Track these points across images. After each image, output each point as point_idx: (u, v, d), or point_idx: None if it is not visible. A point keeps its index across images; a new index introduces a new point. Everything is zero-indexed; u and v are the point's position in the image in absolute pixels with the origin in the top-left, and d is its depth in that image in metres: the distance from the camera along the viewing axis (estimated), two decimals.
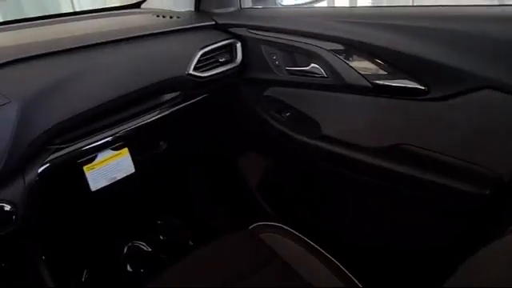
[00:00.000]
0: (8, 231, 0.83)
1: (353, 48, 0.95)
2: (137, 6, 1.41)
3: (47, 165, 0.89)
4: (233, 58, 1.18)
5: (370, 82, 0.93)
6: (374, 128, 0.98)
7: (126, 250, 1.54)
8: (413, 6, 1.08)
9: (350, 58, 0.97)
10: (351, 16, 0.97)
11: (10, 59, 0.86)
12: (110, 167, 1.04)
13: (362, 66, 0.95)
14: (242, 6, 1.24)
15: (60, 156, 0.92)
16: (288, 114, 1.16)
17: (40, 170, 0.88)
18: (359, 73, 0.95)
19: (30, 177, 0.86)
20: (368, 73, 0.94)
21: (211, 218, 1.58)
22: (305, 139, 1.11)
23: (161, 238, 1.63)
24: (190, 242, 1.61)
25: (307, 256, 0.91)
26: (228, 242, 0.99)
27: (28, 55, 0.89)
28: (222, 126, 1.38)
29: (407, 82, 0.89)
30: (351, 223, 1.16)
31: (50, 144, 0.91)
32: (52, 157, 0.90)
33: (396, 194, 0.99)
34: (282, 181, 1.38)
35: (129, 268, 1.52)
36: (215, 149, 1.46)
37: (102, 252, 1.45)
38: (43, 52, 0.92)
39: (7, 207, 0.82)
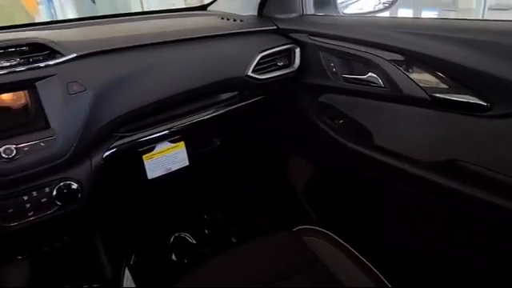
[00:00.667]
0: (73, 207, 0.91)
1: (414, 59, 0.94)
2: (203, 8, 1.48)
3: (112, 150, 0.96)
4: (291, 63, 1.20)
5: (429, 95, 0.92)
6: (428, 142, 0.96)
7: (172, 239, 1.61)
8: (481, 20, 1.04)
9: (410, 70, 0.96)
10: (414, 27, 0.96)
11: (88, 52, 0.94)
12: (166, 158, 1.10)
13: (422, 78, 0.94)
14: (304, 13, 1.26)
15: (123, 143, 0.99)
16: (341, 121, 1.16)
17: (105, 154, 0.95)
18: (418, 85, 0.93)
19: (96, 160, 0.94)
20: (427, 85, 0.93)
21: (256, 218, 1.62)
22: (356, 147, 1.11)
23: (206, 232, 1.69)
24: (233, 240, 1.65)
25: (348, 263, 0.91)
26: (271, 242, 1.01)
27: (103, 49, 0.97)
28: (275, 128, 1.40)
29: (468, 97, 0.86)
30: (396, 235, 1.14)
31: (115, 132, 0.99)
32: (116, 144, 0.98)
33: (446, 211, 0.96)
34: (329, 187, 1.38)
35: (173, 257, 1.58)
36: (266, 150, 1.49)
37: (151, 238, 1.52)
38: (116, 47, 0.99)
39: (74, 185, 0.90)
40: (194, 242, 1.66)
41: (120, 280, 1.14)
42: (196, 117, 1.12)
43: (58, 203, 0.88)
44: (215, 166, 1.40)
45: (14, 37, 0.95)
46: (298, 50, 1.19)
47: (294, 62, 1.20)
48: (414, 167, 0.98)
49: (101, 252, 1.03)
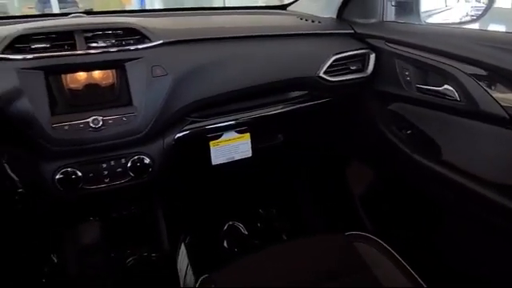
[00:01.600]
0: (143, 180, 0.99)
1: (497, 75, 0.89)
2: (283, 7, 1.52)
3: (183, 133, 1.03)
4: (364, 68, 1.20)
5: (509, 114, 0.87)
6: (502, 163, 0.91)
7: (226, 227, 1.68)
8: None
9: (492, 86, 0.91)
10: (501, 41, 0.91)
11: (173, 39, 1.02)
12: (231, 147, 1.16)
13: (503, 95, 0.89)
14: (384, 19, 1.24)
15: (194, 128, 1.06)
16: (409, 131, 1.13)
17: (177, 136, 1.03)
18: (498, 102, 0.89)
19: (168, 140, 1.02)
20: (508, 104, 0.88)
21: (310, 218, 1.62)
22: (421, 160, 1.08)
23: (259, 225, 1.73)
24: (284, 236, 1.68)
25: (397, 274, 0.89)
26: (321, 243, 1.02)
27: (186, 38, 1.04)
28: (339, 130, 1.40)
29: None
30: (453, 254, 1.09)
31: (188, 116, 1.06)
32: (188, 127, 1.05)
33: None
34: (388, 196, 1.35)
35: (225, 244, 1.65)
36: (327, 151, 1.49)
37: (207, 221, 1.60)
38: (198, 37, 1.06)
39: (147, 160, 0.98)
40: (246, 233, 1.70)
41: (176, 254, 1.22)
42: (264, 111, 1.15)
43: (131, 174, 0.97)
44: (276, 162, 1.44)
45: (106, 21, 1.06)
46: (372, 56, 1.18)
47: (367, 68, 1.19)
48: (483, 187, 0.93)
49: (162, 226, 1.11)
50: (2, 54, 0.86)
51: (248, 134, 1.17)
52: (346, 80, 1.18)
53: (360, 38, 1.22)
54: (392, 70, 1.13)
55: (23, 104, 0.84)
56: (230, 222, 1.69)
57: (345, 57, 1.17)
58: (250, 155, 1.19)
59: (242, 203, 1.72)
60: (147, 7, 5.89)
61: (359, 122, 1.34)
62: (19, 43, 0.89)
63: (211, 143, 1.13)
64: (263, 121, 1.16)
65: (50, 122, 0.86)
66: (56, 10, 5.50)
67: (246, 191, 1.67)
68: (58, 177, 0.91)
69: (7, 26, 1.00)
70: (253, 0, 5.85)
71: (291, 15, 1.40)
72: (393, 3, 1.24)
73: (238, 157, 1.18)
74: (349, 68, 1.18)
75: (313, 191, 1.65)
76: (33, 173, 0.90)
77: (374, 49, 1.18)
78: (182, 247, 1.29)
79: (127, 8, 6.01)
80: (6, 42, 0.87)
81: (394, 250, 0.95)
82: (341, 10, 1.29)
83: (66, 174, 0.91)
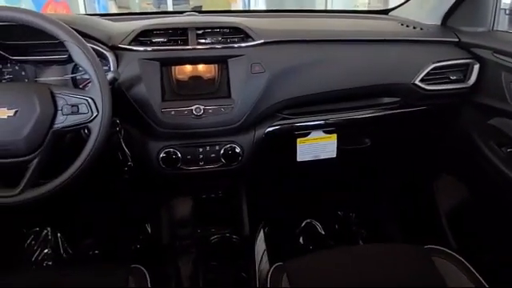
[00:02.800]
0: (233, 167, 1.08)
1: None
2: (385, 12, 1.50)
3: (273, 128, 1.10)
4: (465, 79, 1.15)
5: None
6: None
7: (304, 224, 1.72)
8: None
9: None
10: None
11: (274, 40, 1.08)
12: (317, 146, 1.19)
13: None
14: (494, 28, 1.17)
15: (284, 124, 1.12)
16: (509, 149, 1.06)
17: (267, 130, 1.10)
18: None
19: (259, 133, 1.09)
20: None
21: (389, 226, 1.59)
22: None
23: (336, 227, 1.74)
24: (360, 242, 1.66)
25: None
26: (398, 251, 1.01)
27: (286, 39, 1.10)
28: (431, 141, 1.35)
29: None
30: None
31: (279, 112, 1.12)
32: (278, 123, 1.11)
33: None
34: (476, 214, 1.27)
35: (301, 240, 1.69)
36: (415, 161, 1.45)
37: (286, 215, 1.65)
38: (297, 39, 1.11)
39: (238, 149, 1.07)
40: (323, 233, 1.73)
41: (254, 239, 1.30)
42: (353, 114, 1.17)
43: (223, 160, 1.07)
44: (360, 166, 1.43)
45: (216, 20, 1.16)
46: (476, 67, 1.12)
47: (468, 78, 1.14)
48: None
49: (244, 211, 1.19)
50: (129, 45, 1.01)
51: (335, 135, 1.19)
52: (444, 90, 1.14)
53: (464, 47, 1.17)
54: (497, 83, 1.07)
55: (141, 89, 0.98)
56: (308, 220, 1.73)
57: (445, 66, 1.13)
58: (335, 156, 1.21)
59: (322, 203, 1.74)
60: (251, 6, 6.14)
61: (453, 135, 1.28)
62: (142, 37, 1.03)
63: (298, 140, 1.17)
64: (352, 124, 1.18)
65: (160, 107, 0.99)
66: (170, 5, 6.02)
67: (327, 191, 1.69)
68: (161, 155, 1.04)
69: (133, 22, 1.16)
70: (354, 5, 5.75)
71: (393, 20, 1.38)
72: (507, 11, 1.16)
73: (323, 156, 1.21)
74: (448, 77, 1.14)
75: (395, 200, 1.61)
76: (142, 149, 1.04)
77: (478, 59, 1.12)
78: (261, 234, 1.36)
79: (233, 7, 6.34)
80: (133, 36, 1.02)
81: (476, 270, 0.91)
82: (446, 17, 1.24)
83: (168, 153, 1.04)
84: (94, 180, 0.83)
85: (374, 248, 1.04)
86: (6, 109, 0.77)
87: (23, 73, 1.05)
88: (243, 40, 1.06)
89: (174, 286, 1.08)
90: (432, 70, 1.12)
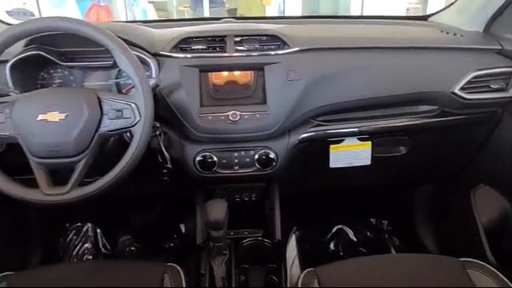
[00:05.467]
0: (267, 172, 1.10)
1: None
2: (424, 18, 1.48)
3: (307, 134, 1.11)
4: (507, 87, 1.11)
5: None
6: None
7: (335, 229, 1.72)
8: None
9: None
10: None
11: (309, 47, 1.09)
12: (351, 153, 1.19)
13: None
14: None
15: (318, 131, 1.12)
16: None
17: (301, 136, 1.11)
18: None
19: (293, 139, 1.10)
20: None
21: (423, 237, 1.56)
22: None
23: (368, 234, 1.73)
24: (393, 251, 1.64)
25: None
26: (432, 261, 1.00)
27: (321, 46, 1.11)
28: (470, 152, 1.32)
29: None
30: None
31: (313, 119, 1.13)
32: (312, 129, 1.12)
33: None
34: None
35: (331, 246, 1.69)
36: (453, 172, 1.41)
37: (317, 221, 1.66)
38: (333, 46, 1.12)
39: (272, 155, 1.09)
40: (355, 239, 1.72)
41: (286, 244, 1.32)
42: (388, 122, 1.16)
43: (257, 165, 1.09)
44: (395, 174, 1.41)
45: (254, 27, 1.19)
46: None
47: (511, 87, 1.10)
48: None
49: (277, 216, 1.20)
50: (170, 52, 1.06)
51: (369, 143, 1.19)
52: (485, 99, 1.11)
53: (508, 55, 1.13)
54: None
55: (180, 95, 1.02)
56: (340, 226, 1.72)
57: (486, 74, 1.11)
58: (369, 163, 1.21)
59: (354, 209, 1.73)
60: (286, 7, 6.16)
61: (494, 145, 1.24)
62: (183, 44, 1.07)
63: (332, 147, 1.18)
64: (387, 131, 1.17)
65: (198, 112, 1.02)
66: (206, 8, 6.13)
67: (360, 198, 1.67)
68: (198, 159, 1.07)
69: (173, 29, 1.21)
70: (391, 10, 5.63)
71: (432, 27, 1.36)
72: None
73: (356, 163, 1.21)
74: (489, 86, 1.11)
75: (430, 209, 1.58)
76: (180, 152, 1.08)
77: None
78: (293, 239, 1.37)
79: (267, 7, 6.38)
80: (174, 43, 1.06)
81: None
82: (489, 23, 1.21)
83: (204, 157, 1.07)
84: (134, 181, 0.87)
85: (407, 258, 1.03)
86: (58, 112, 0.83)
87: (72, 78, 1.11)
88: (280, 47, 1.08)
89: (207, 286, 1.11)
90: (473, 78, 1.10)
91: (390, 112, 1.18)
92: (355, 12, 6.01)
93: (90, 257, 1.62)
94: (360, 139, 1.18)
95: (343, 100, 1.10)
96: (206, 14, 6.12)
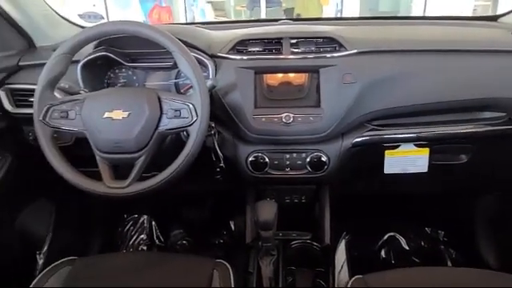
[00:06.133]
0: (318, 176, 1.10)
1: None
2: (494, 18, 1.38)
3: (361, 138, 1.09)
4: None
5: None
6: None
7: (386, 237, 1.66)
8: None
9: None
10: None
11: (367, 49, 1.07)
12: (406, 159, 1.15)
13: None
14: None
15: (372, 135, 1.10)
16: None
17: (355, 140, 1.09)
18: None
19: (346, 143, 1.09)
20: None
21: (482, 249, 1.47)
22: None
23: (422, 243, 1.65)
24: (449, 263, 1.56)
25: None
26: (490, 279, 0.94)
27: (380, 49, 1.08)
28: None
29: None
30: None
31: (368, 123, 1.10)
32: (366, 134, 1.10)
33: None
34: None
35: (382, 253, 1.64)
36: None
37: (369, 227, 1.62)
38: (392, 49, 1.09)
39: (324, 158, 1.08)
40: (407, 248, 1.65)
41: (335, 248, 1.30)
42: (449, 128, 1.10)
43: (308, 168, 1.09)
44: (453, 183, 1.34)
45: (310, 29, 1.18)
46: None
47: None
48: None
49: (327, 219, 1.19)
50: (227, 54, 1.08)
51: (427, 149, 1.14)
52: None
53: None
54: None
55: (236, 96, 1.04)
56: (392, 233, 1.67)
57: None
58: (426, 171, 1.16)
59: (408, 217, 1.67)
60: (344, 8, 6.04)
61: None
62: (239, 46, 1.09)
63: (387, 152, 1.15)
64: (447, 138, 1.12)
65: (252, 113, 1.04)
66: (263, 8, 6.18)
67: (415, 206, 1.61)
68: (250, 159, 1.09)
69: (230, 31, 1.23)
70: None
71: (502, 28, 1.28)
72: None
73: (412, 170, 1.16)
74: None
75: (492, 223, 1.48)
76: (232, 152, 1.10)
77: None
78: (342, 244, 1.35)
79: (325, 8, 6.30)
80: (231, 45, 1.09)
81: None
82: None
83: (256, 157, 1.09)
84: (188, 178, 0.91)
85: (465, 272, 0.97)
86: (121, 111, 0.88)
87: (135, 77, 1.18)
88: (336, 50, 1.07)
89: (254, 285, 1.13)
90: None
91: (452, 118, 1.12)
92: (417, 11, 5.77)
93: (145, 247, 1.71)
94: (417, 145, 1.13)
95: (401, 105, 1.06)
96: (263, 14, 6.18)
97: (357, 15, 5.86)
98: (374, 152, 1.15)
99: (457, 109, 1.10)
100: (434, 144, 1.13)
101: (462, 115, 1.12)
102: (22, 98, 1.18)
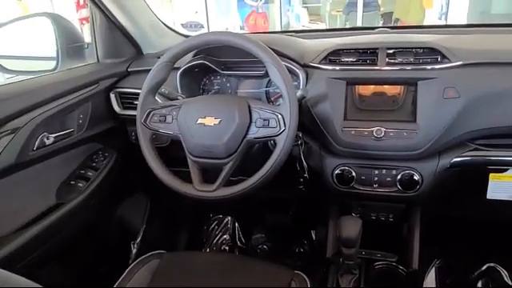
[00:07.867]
0: (409, 195, 1.02)
1: None
2: None
3: (461, 158, 0.99)
4: None
5: None
6: None
7: (484, 267, 1.49)
8: None
9: None
10: None
11: (474, 61, 0.98)
12: None
13: None
14: None
15: (475, 156, 1.00)
16: None
17: (453, 160, 1.00)
18: None
19: (444, 162, 1.00)
20: None
21: None
22: None
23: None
24: None
25: None
26: None
27: (489, 61, 0.98)
28: None
29: None
30: None
31: (470, 142, 1.00)
32: (468, 153, 1.00)
33: None
34: None
35: (479, 285, 1.47)
36: None
37: (462, 255, 1.47)
38: (503, 61, 0.98)
39: (416, 177, 1.01)
40: (510, 283, 1.47)
41: (424, 275, 1.20)
42: None
43: (398, 186, 1.02)
44: None
45: (409, 39, 1.11)
46: None
47: None
48: None
49: (416, 242, 1.10)
50: (319, 64, 1.07)
51: None
52: None
53: None
54: None
55: (325, 106, 1.03)
56: (492, 264, 1.49)
57: None
58: None
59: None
60: (450, 11, 5.58)
61: None
62: (332, 56, 1.07)
63: (491, 175, 1.03)
64: None
65: (341, 126, 1.01)
66: (360, 13, 5.99)
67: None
68: (336, 172, 1.06)
69: (324, 40, 1.22)
70: None
71: None
72: None
73: None
74: None
75: None
76: (318, 164, 1.09)
77: None
78: (433, 271, 1.24)
79: (427, 11, 5.88)
80: (324, 55, 1.07)
81: None
82: None
83: (343, 171, 1.05)
84: (272, 185, 0.91)
85: None
86: (213, 118, 0.92)
87: (228, 84, 1.22)
88: (437, 61, 0.99)
89: None
90: None
91: None
92: None
93: (227, 247, 1.76)
94: None
95: (507, 123, 0.95)
96: (359, 19, 5.99)
97: (464, 18, 5.36)
98: (476, 174, 1.04)
99: None
100: None
101: None
102: (128, 100, 1.30)
